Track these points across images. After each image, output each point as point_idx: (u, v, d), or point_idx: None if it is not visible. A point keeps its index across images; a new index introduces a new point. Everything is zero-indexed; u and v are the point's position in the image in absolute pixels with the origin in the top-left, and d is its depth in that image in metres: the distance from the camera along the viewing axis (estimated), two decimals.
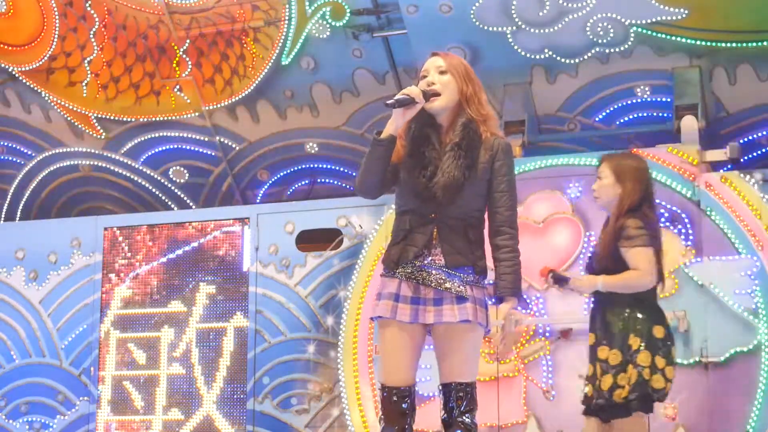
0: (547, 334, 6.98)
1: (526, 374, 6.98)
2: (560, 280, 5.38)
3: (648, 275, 5.16)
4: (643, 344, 5.11)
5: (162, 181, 9.25)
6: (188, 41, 8.51)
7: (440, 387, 3.96)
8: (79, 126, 9.08)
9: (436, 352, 3.98)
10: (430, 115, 4.00)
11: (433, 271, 3.92)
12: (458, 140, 3.94)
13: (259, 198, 9.09)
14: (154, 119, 8.91)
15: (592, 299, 5.39)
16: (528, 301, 7.05)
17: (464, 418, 3.91)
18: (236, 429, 7.84)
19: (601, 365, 5.15)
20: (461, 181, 3.90)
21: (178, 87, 8.72)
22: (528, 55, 7.79)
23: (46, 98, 8.97)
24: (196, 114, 8.80)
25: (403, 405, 3.95)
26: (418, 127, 3.99)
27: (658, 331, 5.16)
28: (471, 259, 3.94)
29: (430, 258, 3.90)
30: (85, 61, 8.74)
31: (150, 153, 9.14)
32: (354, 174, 7.67)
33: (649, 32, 7.49)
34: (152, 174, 9.16)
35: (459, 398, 3.91)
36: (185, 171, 9.16)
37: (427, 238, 3.91)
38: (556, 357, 6.94)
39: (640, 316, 5.18)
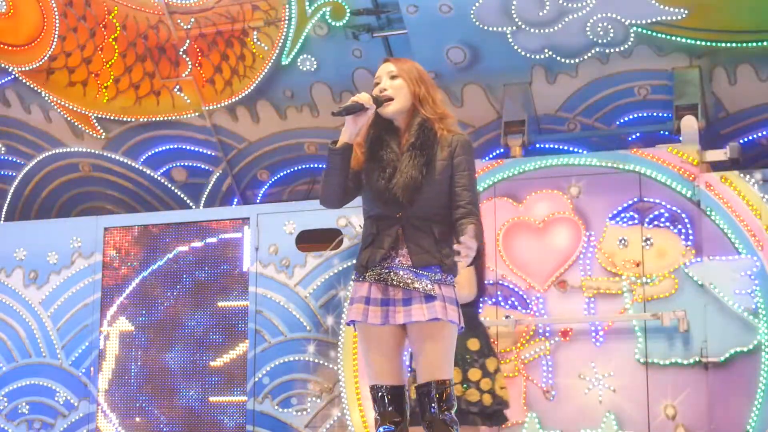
0: (547, 334, 6.99)
1: (526, 374, 6.99)
2: None
3: (467, 288, 5.31)
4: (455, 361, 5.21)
5: (162, 181, 9.25)
6: (188, 41, 8.52)
7: (416, 387, 3.98)
8: (79, 126, 9.08)
9: (412, 352, 4.01)
10: (388, 120, 4.07)
11: (401, 272, 3.95)
12: (413, 140, 4.00)
13: (259, 198, 9.09)
14: (154, 119, 8.91)
15: None
16: (528, 301, 7.05)
17: (444, 416, 3.93)
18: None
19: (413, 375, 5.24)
20: (419, 180, 3.95)
21: (178, 87, 8.72)
22: (528, 55, 7.79)
23: (46, 98, 8.97)
24: (196, 114, 8.80)
25: (395, 403, 3.97)
26: (376, 132, 4.06)
27: (473, 344, 5.28)
28: (438, 258, 3.96)
29: (397, 259, 3.93)
30: (85, 62, 8.74)
31: (150, 153, 9.15)
32: None
33: (649, 32, 7.49)
34: (152, 174, 9.17)
35: (437, 396, 3.93)
36: (185, 171, 9.16)
37: (393, 239, 3.95)
38: (556, 357, 6.94)
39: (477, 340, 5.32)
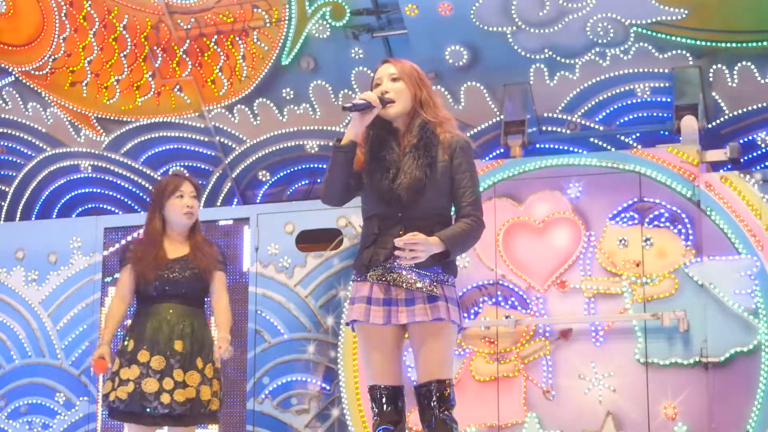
0: (547, 334, 6.99)
1: (526, 374, 6.99)
2: None
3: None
4: (218, 361, 5.53)
5: None
6: (188, 41, 8.52)
7: (416, 387, 3.99)
8: (79, 126, 9.08)
9: (413, 352, 4.02)
10: (387, 121, 4.11)
11: (404, 272, 3.96)
12: (416, 141, 4.04)
13: (259, 198, 9.09)
14: (154, 119, 8.91)
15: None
16: (528, 301, 7.05)
17: (443, 415, 3.94)
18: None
19: (201, 375, 5.43)
20: (423, 180, 3.98)
21: (178, 87, 8.72)
22: (528, 55, 7.79)
23: (46, 98, 8.97)
24: (196, 114, 8.81)
25: (393, 403, 3.98)
26: (376, 133, 4.09)
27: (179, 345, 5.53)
28: (439, 258, 3.96)
29: (399, 259, 3.93)
30: (86, 61, 8.74)
31: (150, 153, 9.14)
32: None
33: (649, 32, 7.49)
34: (152, 174, 9.16)
35: (438, 397, 3.94)
36: (185, 171, 9.16)
37: (395, 239, 3.95)
38: (556, 357, 6.94)
39: (212, 334, 5.63)
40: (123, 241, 8.32)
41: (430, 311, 3.93)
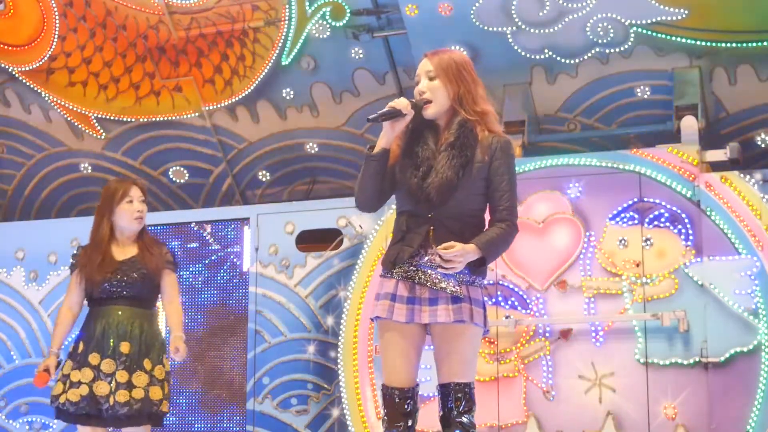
0: (547, 334, 6.99)
1: (526, 374, 6.99)
2: None
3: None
4: (168, 364, 5.59)
5: (162, 181, 9.25)
6: (188, 41, 8.52)
7: (438, 387, 3.97)
8: (79, 126, 9.08)
9: (435, 352, 3.98)
10: None
11: (429, 271, 3.91)
12: (452, 140, 3.93)
13: (259, 198, 9.08)
14: (154, 119, 8.91)
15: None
16: (528, 301, 7.05)
17: (462, 418, 3.92)
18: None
19: (150, 377, 5.44)
20: (455, 181, 3.89)
21: (178, 87, 8.72)
22: (528, 55, 7.79)
23: (46, 98, 8.97)
24: (196, 114, 8.80)
25: (406, 405, 3.95)
26: (415, 127, 4.00)
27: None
28: (475, 264, 3.93)
29: (426, 258, 3.89)
30: (85, 62, 8.74)
31: (150, 153, 9.14)
32: (356, 173, 7.67)
33: (649, 32, 7.49)
34: (152, 174, 9.16)
35: (457, 399, 3.92)
36: (185, 171, 9.16)
37: (423, 237, 3.91)
38: (556, 357, 6.95)
39: (162, 339, 5.62)
40: None
41: (453, 313, 3.88)
